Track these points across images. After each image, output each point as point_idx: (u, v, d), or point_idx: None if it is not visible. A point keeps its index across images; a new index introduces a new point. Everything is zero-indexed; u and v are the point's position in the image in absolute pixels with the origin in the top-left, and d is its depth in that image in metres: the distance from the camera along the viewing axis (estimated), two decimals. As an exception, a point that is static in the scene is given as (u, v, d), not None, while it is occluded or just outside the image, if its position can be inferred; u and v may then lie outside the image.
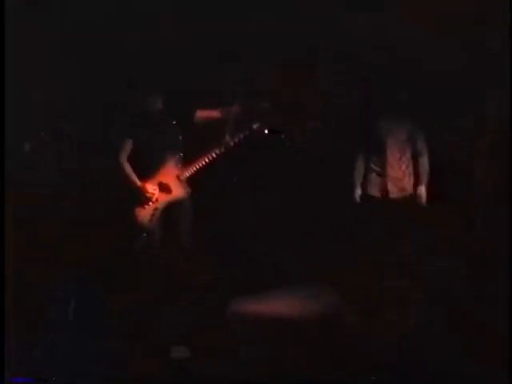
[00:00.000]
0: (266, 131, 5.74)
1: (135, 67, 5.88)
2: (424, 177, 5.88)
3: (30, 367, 4.36)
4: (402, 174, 5.91)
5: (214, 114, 5.75)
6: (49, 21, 5.92)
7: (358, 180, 5.95)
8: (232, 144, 5.65)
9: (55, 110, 5.98)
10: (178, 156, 5.74)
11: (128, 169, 5.66)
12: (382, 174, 5.90)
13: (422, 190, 5.86)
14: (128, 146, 5.69)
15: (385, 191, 5.90)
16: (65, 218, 5.69)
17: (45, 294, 5.11)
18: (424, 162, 5.89)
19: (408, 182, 5.91)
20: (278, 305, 4.93)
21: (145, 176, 5.69)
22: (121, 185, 5.67)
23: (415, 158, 5.90)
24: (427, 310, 4.83)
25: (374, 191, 5.93)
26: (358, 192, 5.93)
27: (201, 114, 5.75)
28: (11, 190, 5.18)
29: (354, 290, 5.00)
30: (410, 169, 5.90)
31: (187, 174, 5.73)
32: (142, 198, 5.64)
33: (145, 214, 5.66)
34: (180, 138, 5.76)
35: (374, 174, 5.94)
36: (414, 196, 5.87)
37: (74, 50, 5.91)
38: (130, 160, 5.68)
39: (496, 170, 5.69)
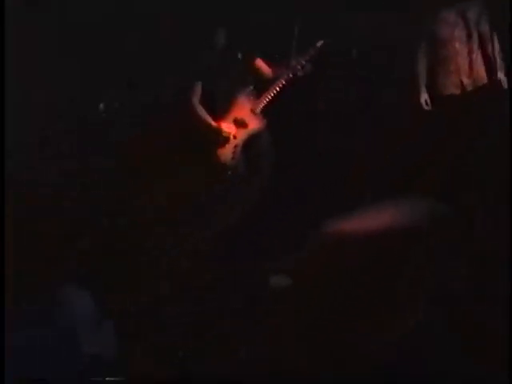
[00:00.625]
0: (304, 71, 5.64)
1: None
2: (499, 61, 5.57)
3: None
4: (473, 63, 5.62)
5: (266, 69, 5.71)
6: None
7: (423, 82, 5.67)
8: (299, 67, 5.58)
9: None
10: (248, 89, 5.70)
11: (202, 111, 5.64)
12: (453, 69, 5.63)
13: (501, 75, 5.58)
14: (198, 88, 5.66)
15: (459, 86, 5.64)
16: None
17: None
18: (496, 46, 5.58)
19: (482, 71, 5.63)
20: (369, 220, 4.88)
21: (219, 115, 5.65)
22: (197, 128, 5.64)
23: (483, 44, 5.62)
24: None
25: (447, 89, 5.68)
26: (425, 96, 5.69)
27: (257, 64, 5.70)
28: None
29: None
30: (479, 57, 5.61)
31: (261, 105, 5.68)
32: (221, 138, 5.58)
33: (226, 152, 5.63)
34: (248, 70, 5.72)
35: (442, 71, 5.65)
36: (493, 83, 5.60)
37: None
38: (203, 103, 5.66)
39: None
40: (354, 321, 4.60)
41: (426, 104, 5.70)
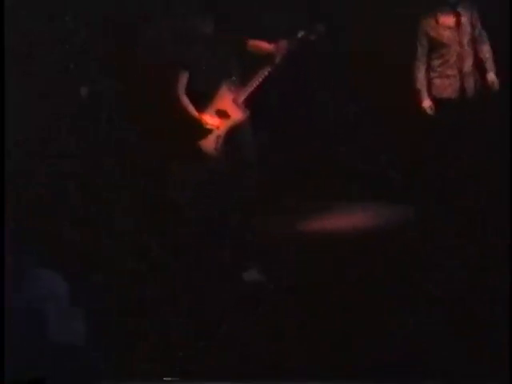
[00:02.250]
0: (313, 38, 5.63)
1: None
2: (490, 63, 5.63)
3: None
4: (471, 67, 5.64)
5: (266, 45, 5.67)
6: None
7: (423, 88, 5.72)
8: (280, 59, 5.59)
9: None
10: (231, 80, 5.69)
11: (185, 101, 5.61)
12: (453, 73, 5.67)
13: (492, 76, 5.63)
14: (184, 78, 5.63)
15: (461, 90, 5.67)
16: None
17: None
18: (487, 48, 5.64)
19: (477, 74, 5.66)
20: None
21: (201, 105, 5.65)
22: (181, 119, 5.63)
23: (477, 46, 5.67)
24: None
25: (447, 93, 5.71)
26: (428, 103, 5.71)
27: (252, 44, 5.67)
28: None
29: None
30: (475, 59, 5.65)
31: (243, 96, 5.68)
32: (203, 130, 5.60)
33: (209, 143, 5.62)
34: (231, 61, 5.71)
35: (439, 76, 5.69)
36: (486, 85, 5.66)
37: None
38: (186, 92, 5.66)
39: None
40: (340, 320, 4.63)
41: (431, 109, 5.72)
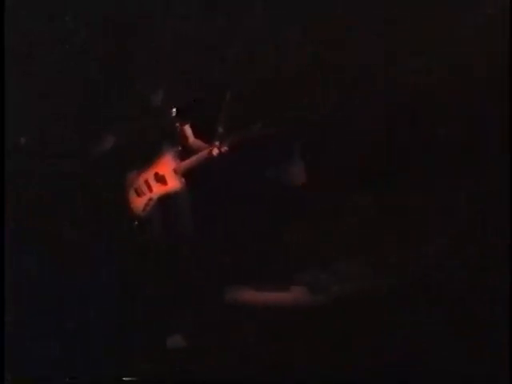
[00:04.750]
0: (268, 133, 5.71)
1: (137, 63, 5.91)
2: None
3: (29, 367, 4.36)
4: None
5: (193, 142, 5.75)
6: (49, 20, 5.92)
7: None
8: (228, 144, 5.65)
9: (56, 109, 5.99)
10: (176, 149, 5.76)
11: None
12: None
13: None
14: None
15: None
16: (68, 217, 5.71)
17: (45, 293, 5.12)
18: None
19: None
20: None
21: (141, 167, 5.71)
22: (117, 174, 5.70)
23: None
24: (427, 310, 4.83)
25: None
26: None
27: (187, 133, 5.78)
28: (11, 190, 5.19)
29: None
30: None
31: (184, 167, 5.74)
32: (137, 188, 5.67)
33: (139, 203, 5.69)
34: (178, 131, 5.78)
35: None
36: None
37: (73, 48, 5.91)
38: (127, 150, 5.70)
39: (496, 168, 5.70)
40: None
41: None
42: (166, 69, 5.86)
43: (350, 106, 6.05)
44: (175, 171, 5.76)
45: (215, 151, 5.65)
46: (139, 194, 5.71)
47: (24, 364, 4.33)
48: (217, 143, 5.65)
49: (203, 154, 5.72)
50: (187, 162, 5.75)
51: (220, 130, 5.71)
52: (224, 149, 5.61)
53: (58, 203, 5.76)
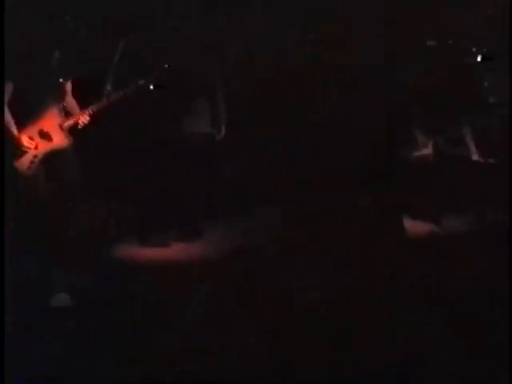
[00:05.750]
0: (152, 87, 5.64)
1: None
2: None
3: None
4: None
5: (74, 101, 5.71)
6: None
7: None
8: (115, 98, 5.59)
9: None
10: (61, 105, 5.65)
11: (8, 116, 5.46)
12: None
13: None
14: (9, 89, 5.48)
15: None
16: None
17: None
18: None
19: None
20: None
21: (25, 123, 5.56)
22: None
23: None
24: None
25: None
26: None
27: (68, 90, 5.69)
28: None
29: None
30: None
31: (69, 123, 5.65)
32: (20, 147, 5.53)
33: (23, 162, 5.55)
34: (65, 87, 5.68)
35: None
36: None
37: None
38: (11, 105, 5.49)
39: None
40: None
41: None
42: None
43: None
44: (60, 127, 5.64)
45: (81, 120, 5.58)
46: (22, 153, 5.52)
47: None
48: (89, 109, 5.61)
49: (87, 110, 5.59)
50: (72, 117, 5.62)
51: (108, 87, 5.67)
52: (86, 119, 5.57)
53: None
